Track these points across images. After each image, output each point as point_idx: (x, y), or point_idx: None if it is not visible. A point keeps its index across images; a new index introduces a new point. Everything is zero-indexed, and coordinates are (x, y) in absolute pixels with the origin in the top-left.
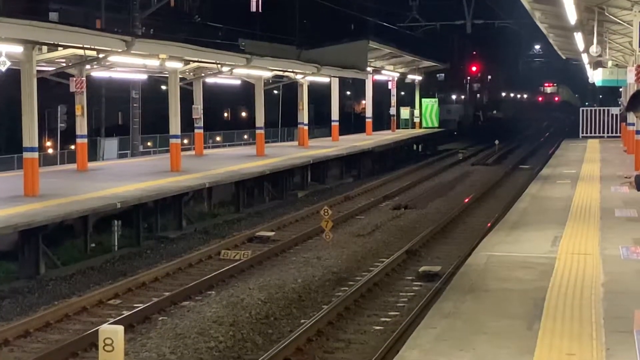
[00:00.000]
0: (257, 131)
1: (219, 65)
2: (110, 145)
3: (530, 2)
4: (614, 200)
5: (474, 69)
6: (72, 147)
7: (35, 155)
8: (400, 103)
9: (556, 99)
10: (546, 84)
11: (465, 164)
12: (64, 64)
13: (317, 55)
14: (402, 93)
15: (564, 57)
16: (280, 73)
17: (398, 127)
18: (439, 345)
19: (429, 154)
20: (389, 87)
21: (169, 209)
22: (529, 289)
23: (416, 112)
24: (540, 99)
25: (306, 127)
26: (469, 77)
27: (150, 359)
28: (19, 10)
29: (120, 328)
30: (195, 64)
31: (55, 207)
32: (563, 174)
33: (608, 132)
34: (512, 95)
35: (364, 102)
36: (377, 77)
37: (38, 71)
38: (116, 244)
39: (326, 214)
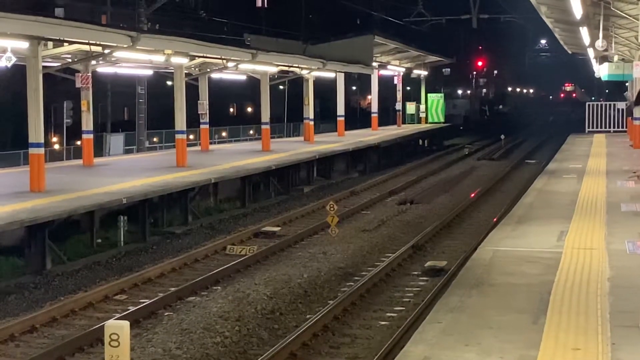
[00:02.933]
0: (263, 126)
1: (225, 61)
2: (116, 140)
3: None
4: (620, 194)
5: (480, 63)
6: (78, 142)
7: (41, 151)
8: (406, 98)
9: (574, 95)
10: (566, 84)
11: (471, 158)
12: (70, 60)
13: (323, 50)
14: (408, 88)
15: (570, 52)
16: (286, 68)
17: (404, 122)
18: (444, 340)
19: (435, 148)
20: (395, 82)
21: (175, 205)
22: (535, 284)
23: (422, 107)
24: (562, 95)
25: (312, 122)
26: (475, 72)
27: (156, 354)
28: (24, 6)
29: (126, 323)
30: (201, 60)
31: (61, 202)
32: (569, 169)
33: (614, 127)
34: (518, 90)
35: (369, 97)
36: (383, 72)
37: (44, 67)
38: (122, 239)
39: (332, 209)
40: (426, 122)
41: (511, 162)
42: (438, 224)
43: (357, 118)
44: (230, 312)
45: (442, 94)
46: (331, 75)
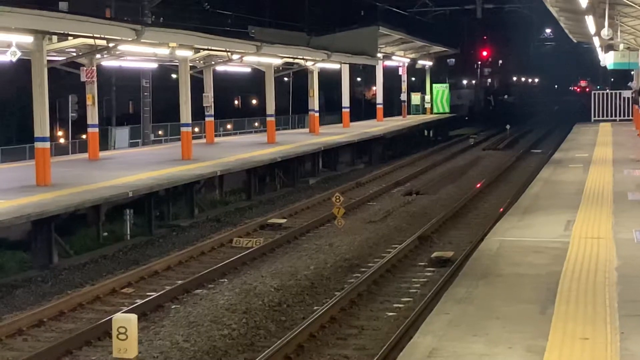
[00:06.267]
0: (268, 119)
1: (229, 53)
2: (121, 134)
3: None
4: (627, 183)
5: (484, 53)
6: (84, 136)
7: (47, 145)
8: (411, 89)
9: (587, 89)
10: (582, 81)
11: (476, 149)
12: (75, 54)
13: (327, 41)
14: (413, 79)
15: (575, 41)
16: (291, 60)
17: (409, 113)
18: (452, 331)
19: (440, 139)
20: (400, 72)
21: (181, 197)
22: (542, 274)
23: (427, 97)
24: (578, 90)
25: (317, 114)
26: (479, 62)
27: (163, 347)
28: (28, 0)
29: (133, 317)
30: (205, 52)
31: (67, 196)
32: (575, 158)
33: (620, 116)
34: (523, 79)
35: (374, 88)
36: (388, 63)
37: (48, 61)
38: (128, 232)
39: (338, 200)
40: (431, 113)
41: (517, 152)
42: (444, 215)
43: (362, 109)
44: (237, 304)
45: (447, 85)
46: (336, 66)
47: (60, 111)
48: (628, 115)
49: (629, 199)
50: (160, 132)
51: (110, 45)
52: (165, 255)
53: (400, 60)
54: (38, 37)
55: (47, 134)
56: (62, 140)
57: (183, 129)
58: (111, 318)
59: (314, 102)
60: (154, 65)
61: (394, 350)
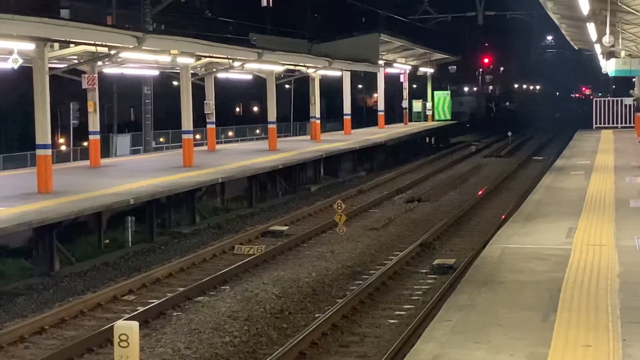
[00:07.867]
0: (269, 126)
1: (231, 60)
2: (122, 141)
3: None
4: (629, 190)
5: (486, 60)
6: (85, 143)
7: (48, 152)
8: (413, 96)
9: (591, 97)
10: (584, 88)
11: (478, 156)
12: (76, 61)
13: (329, 49)
14: (414, 86)
15: (576, 48)
16: (292, 67)
17: (410, 120)
18: (454, 338)
19: (442, 146)
20: (401, 80)
21: (182, 205)
22: (544, 281)
23: (428, 104)
24: (582, 97)
25: (318, 121)
26: (481, 69)
27: (165, 355)
28: (30, 7)
29: (135, 324)
30: (207, 60)
31: (69, 203)
32: (577, 165)
33: (622, 123)
34: (524, 86)
35: (375, 95)
36: (389, 70)
37: (50, 68)
38: (130, 240)
39: (339, 207)
40: (433, 120)
41: (518, 159)
42: (446, 222)
43: (364, 116)
44: (239, 311)
45: (449, 92)
46: (337, 73)
47: (61, 118)
48: (630, 123)
49: (630, 206)
50: (161, 139)
51: (112, 52)
52: (166, 262)
53: (401, 68)
54: (39, 44)
55: (49, 141)
56: (63, 148)
57: (184, 136)
58: (112, 325)
59: (316, 109)
60: (156, 73)
61: (396, 358)
